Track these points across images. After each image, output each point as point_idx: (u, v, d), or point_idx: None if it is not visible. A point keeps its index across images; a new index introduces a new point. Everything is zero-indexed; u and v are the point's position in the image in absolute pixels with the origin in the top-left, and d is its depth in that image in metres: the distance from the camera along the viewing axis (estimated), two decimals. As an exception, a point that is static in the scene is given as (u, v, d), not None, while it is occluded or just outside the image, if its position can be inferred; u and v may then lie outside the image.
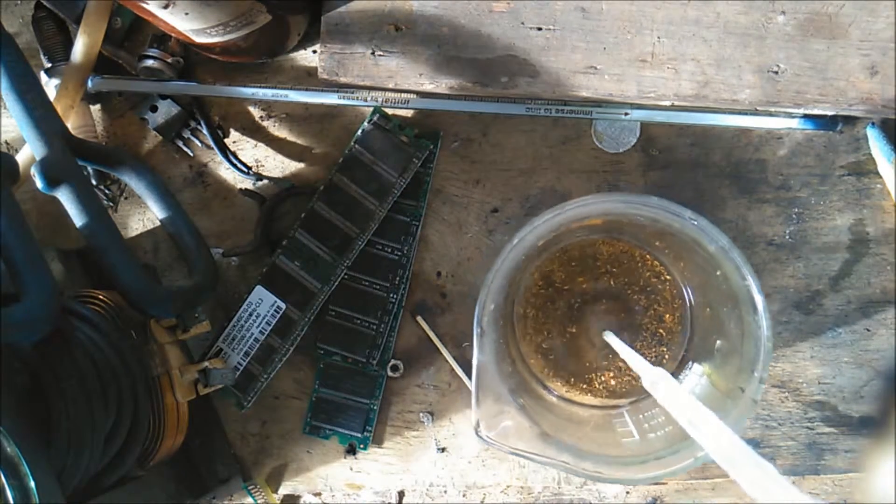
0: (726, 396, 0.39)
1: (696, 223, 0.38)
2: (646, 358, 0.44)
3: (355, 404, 0.47)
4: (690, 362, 0.44)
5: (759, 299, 0.37)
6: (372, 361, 0.47)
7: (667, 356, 0.45)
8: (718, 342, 0.42)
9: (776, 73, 0.43)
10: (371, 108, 0.46)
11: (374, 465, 0.48)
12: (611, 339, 0.40)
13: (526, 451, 0.38)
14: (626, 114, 0.45)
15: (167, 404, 0.41)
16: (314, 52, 0.48)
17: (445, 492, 0.48)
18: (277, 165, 0.49)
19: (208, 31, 0.41)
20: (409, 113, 0.47)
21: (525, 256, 0.42)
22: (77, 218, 0.39)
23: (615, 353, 0.45)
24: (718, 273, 0.39)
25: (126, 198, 0.50)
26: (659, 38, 0.43)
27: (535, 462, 0.38)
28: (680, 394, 0.32)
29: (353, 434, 0.47)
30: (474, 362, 0.38)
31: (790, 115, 0.44)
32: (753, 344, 0.37)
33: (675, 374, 0.44)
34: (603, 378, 0.45)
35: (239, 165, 0.48)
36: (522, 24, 0.44)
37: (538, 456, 0.38)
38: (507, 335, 0.44)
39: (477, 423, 0.38)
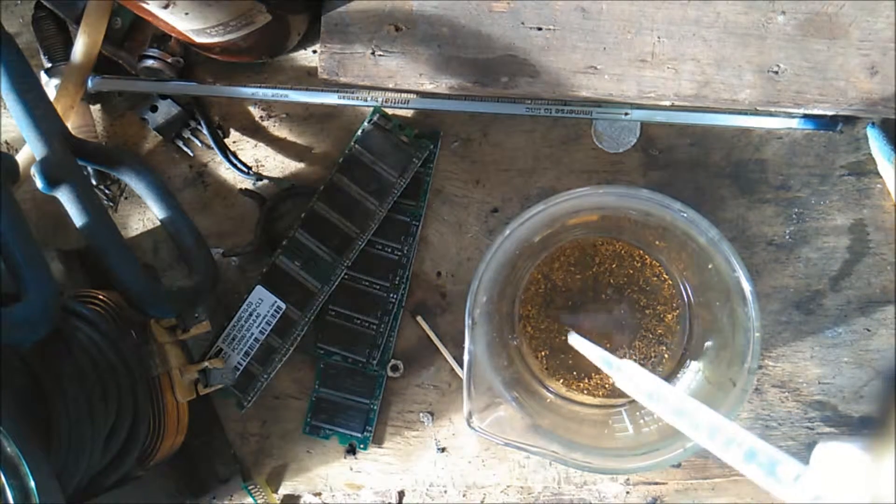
0: (718, 389, 0.39)
1: (685, 215, 0.38)
2: (646, 357, 0.45)
3: (355, 404, 0.47)
4: (689, 360, 0.44)
5: (748, 289, 0.37)
6: (372, 361, 0.47)
7: (666, 355, 0.45)
8: (712, 337, 0.42)
9: (776, 73, 0.43)
10: (371, 108, 0.46)
11: (374, 465, 0.48)
12: (573, 339, 0.40)
13: (517, 441, 0.38)
14: (626, 114, 0.45)
15: (167, 404, 0.41)
16: (314, 52, 0.48)
17: (445, 492, 0.48)
18: (277, 165, 0.49)
19: (208, 31, 0.41)
20: (409, 113, 0.47)
21: (520, 251, 0.42)
22: (77, 218, 0.39)
23: (614, 354, 0.45)
24: (710, 266, 0.40)
25: (126, 198, 0.50)
26: (659, 38, 0.43)
27: (526, 452, 0.39)
28: (646, 376, 0.33)
29: (353, 434, 0.47)
30: (466, 354, 0.38)
31: (790, 115, 0.44)
32: (744, 335, 0.37)
33: (675, 372, 0.44)
34: (602, 378, 0.45)
35: (239, 165, 0.48)
36: (522, 24, 0.44)
37: (529, 446, 0.38)
38: (503, 332, 0.44)
39: (469, 414, 0.38)
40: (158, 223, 0.46)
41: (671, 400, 0.31)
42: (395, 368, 0.47)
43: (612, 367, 0.36)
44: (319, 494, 0.48)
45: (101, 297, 0.40)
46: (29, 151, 0.44)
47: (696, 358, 0.43)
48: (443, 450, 0.47)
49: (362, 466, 0.48)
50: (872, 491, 0.22)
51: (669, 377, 0.44)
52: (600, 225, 0.45)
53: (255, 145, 0.49)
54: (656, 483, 0.46)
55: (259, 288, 0.46)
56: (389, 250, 0.47)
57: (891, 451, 0.21)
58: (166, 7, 0.38)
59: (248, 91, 0.47)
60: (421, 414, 0.48)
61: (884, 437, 0.22)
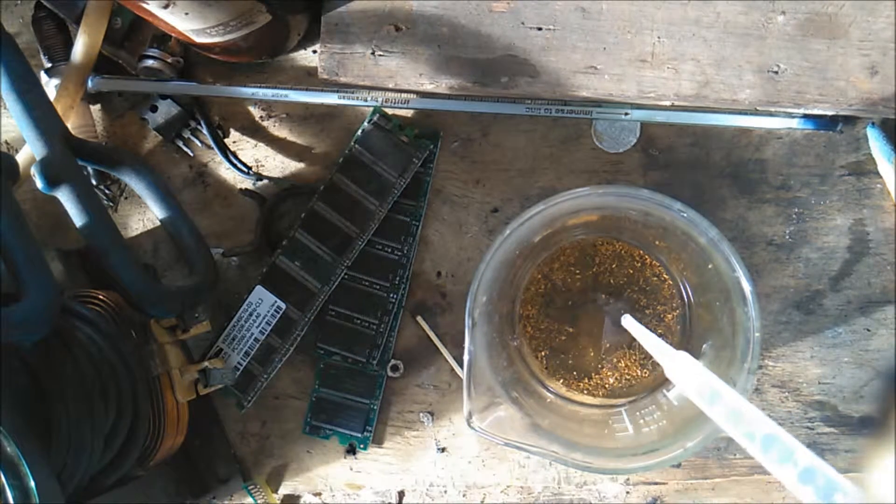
0: None
1: (685, 215, 0.38)
2: (646, 357, 0.45)
3: (355, 404, 0.47)
4: (690, 362, 0.44)
5: (748, 289, 0.37)
6: (372, 361, 0.47)
7: (667, 356, 0.45)
8: (712, 337, 0.42)
9: (776, 73, 0.43)
10: (371, 108, 0.46)
11: (374, 465, 0.48)
12: (628, 322, 0.40)
13: (517, 441, 0.38)
14: (626, 114, 0.45)
15: (167, 404, 0.41)
16: (314, 52, 0.48)
17: (445, 492, 0.48)
18: (277, 165, 0.49)
19: (208, 31, 0.41)
20: (409, 113, 0.47)
21: (520, 251, 0.42)
22: (77, 218, 0.39)
23: (614, 354, 0.45)
24: (710, 266, 0.40)
25: (126, 198, 0.50)
26: (659, 38, 0.43)
27: (526, 451, 0.39)
28: (701, 372, 0.31)
29: (353, 434, 0.47)
30: (466, 354, 0.38)
31: (790, 115, 0.44)
32: (744, 335, 0.37)
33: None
34: (602, 378, 0.45)
35: (239, 165, 0.48)
36: (522, 24, 0.44)
37: (529, 446, 0.38)
38: (503, 332, 0.44)
39: (469, 414, 0.38)
40: (158, 223, 0.46)
41: (727, 401, 0.28)
42: (395, 368, 0.47)
43: (667, 357, 0.33)
44: (319, 494, 0.48)
45: (101, 297, 0.40)
46: (29, 151, 0.44)
47: (696, 358, 0.43)
48: (443, 450, 0.47)
49: (362, 466, 0.48)
50: (872, 490, 0.22)
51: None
52: (600, 225, 0.45)
53: (255, 145, 0.49)
54: (656, 483, 0.46)
55: (259, 288, 0.46)
56: (389, 250, 0.47)
57: (891, 451, 0.21)
58: (166, 7, 0.38)
59: (248, 91, 0.47)
60: (421, 414, 0.48)
61: (884, 437, 0.22)
